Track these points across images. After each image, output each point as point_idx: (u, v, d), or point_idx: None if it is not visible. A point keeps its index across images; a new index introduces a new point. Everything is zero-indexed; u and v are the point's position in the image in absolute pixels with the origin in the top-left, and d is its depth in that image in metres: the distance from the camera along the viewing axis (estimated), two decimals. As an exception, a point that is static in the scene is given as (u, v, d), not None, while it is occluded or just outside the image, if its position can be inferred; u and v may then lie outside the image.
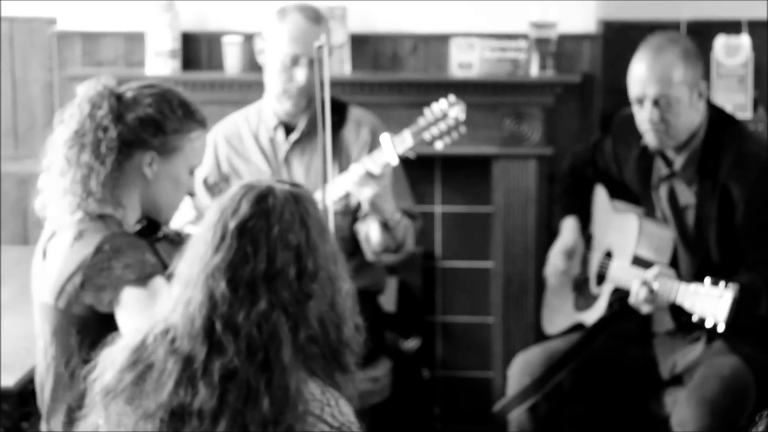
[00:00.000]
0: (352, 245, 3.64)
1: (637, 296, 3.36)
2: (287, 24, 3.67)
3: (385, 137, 3.47)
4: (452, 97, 3.49)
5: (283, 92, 3.68)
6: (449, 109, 3.48)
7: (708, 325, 3.19)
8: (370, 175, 3.45)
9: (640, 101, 3.48)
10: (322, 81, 3.44)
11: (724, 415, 3.36)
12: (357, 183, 3.46)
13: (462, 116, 3.47)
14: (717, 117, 3.55)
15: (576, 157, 3.90)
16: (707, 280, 3.22)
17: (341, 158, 3.69)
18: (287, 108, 3.70)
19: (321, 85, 3.46)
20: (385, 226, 3.53)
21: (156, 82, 2.77)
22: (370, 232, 3.58)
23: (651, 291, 3.34)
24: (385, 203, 3.49)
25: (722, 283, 3.17)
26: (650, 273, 3.36)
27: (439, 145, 3.49)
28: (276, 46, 3.67)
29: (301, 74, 3.64)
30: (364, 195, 3.47)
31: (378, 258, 3.66)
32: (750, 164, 3.46)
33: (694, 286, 3.24)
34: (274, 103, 3.73)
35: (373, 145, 3.69)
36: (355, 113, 3.78)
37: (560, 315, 3.82)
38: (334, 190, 3.49)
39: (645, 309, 3.39)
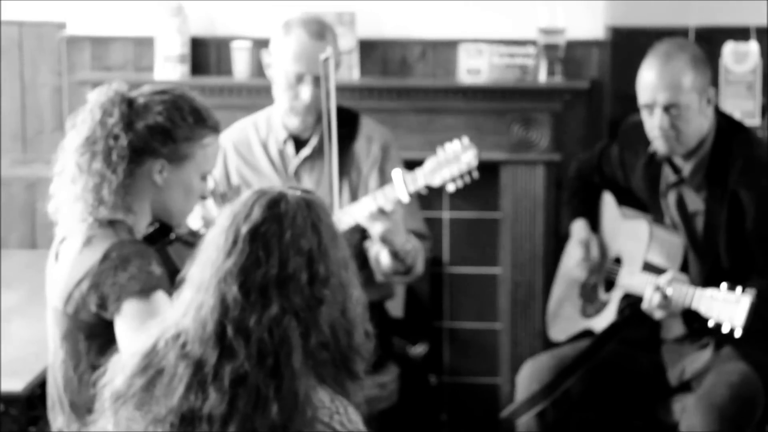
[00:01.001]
0: (360, 260, 3.62)
1: (651, 302, 3.36)
2: (291, 41, 3.61)
3: (397, 174, 3.43)
4: (466, 140, 3.45)
5: (290, 109, 3.64)
6: (462, 153, 3.43)
7: (725, 330, 3.19)
8: (381, 212, 3.42)
9: (650, 108, 3.48)
10: (328, 93, 3.43)
11: (733, 423, 3.35)
12: (368, 218, 3.43)
13: (474, 162, 3.42)
14: (725, 123, 3.56)
15: (582, 164, 3.90)
16: (723, 285, 3.23)
17: (351, 173, 3.67)
18: (296, 124, 3.66)
19: (327, 96, 3.45)
20: (396, 255, 3.52)
21: (169, 87, 2.74)
22: (380, 256, 3.55)
23: (665, 296, 3.34)
24: (396, 237, 3.47)
25: (739, 288, 3.18)
26: (664, 278, 3.36)
27: (450, 188, 3.46)
28: (281, 63, 3.63)
29: (306, 92, 3.59)
30: (375, 230, 3.44)
31: (388, 279, 3.64)
32: (759, 170, 3.47)
33: (710, 291, 3.25)
34: (283, 116, 3.70)
35: (384, 161, 3.67)
36: (366, 126, 3.73)
37: (567, 322, 3.82)
38: (343, 220, 3.47)
39: (658, 315, 3.40)
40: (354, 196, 3.66)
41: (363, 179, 3.68)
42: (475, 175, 3.44)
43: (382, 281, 3.65)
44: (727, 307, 3.18)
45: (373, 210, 3.42)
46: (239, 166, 3.73)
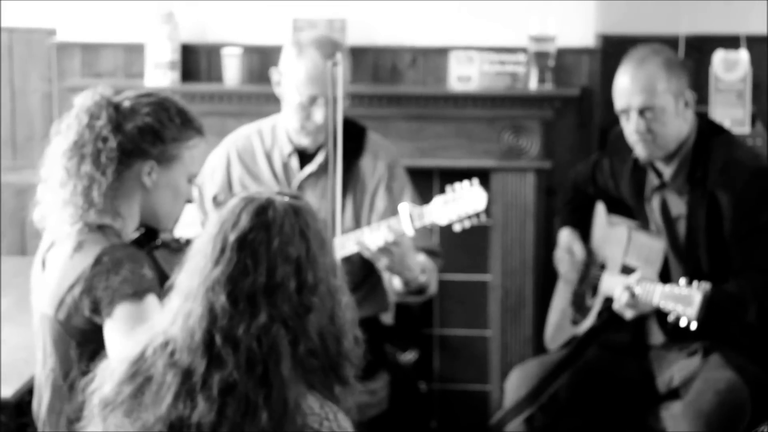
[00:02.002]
0: (360, 276, 3.60)
1: (619, 301, 3.39)
2: (304, 62, 3.57)
3: (403, 208, 3.42)
4: (475, 182, 3.43)
5: (300, 128, 3.60)
6: (471, 195, 3.41)
7: (682, 324, 3.22)
8: (387, 246, 3.40)
9: (626, 113, 3.50)
10: (335, 98, 3.40)
11: (720, 430, 3.36)
12: (374, 252, 3.42)
13: (482, 206, 3.41)
14: (705, 126, 3.57)
15: (577, 174, 3.91)
16: (682, 280, 3.25)
17: (356, 189, 3.66)
18: (305, 143, 3.63)
19: (333, 102, 3.43)
20: (408, 284, 3.52)
21: (152, 90, 2.77)
22: (393, 280, 3.56)
23: (632, 295, 3.36)
24: (404, 269, 3.46)
25: (695, 283, 3.20)
26: (632, 278, 3.39)
27: (456, 228, 3.45)
28: (293, 84, 3.59)
29: (319, 114, 3.54)
30: (381, 264, 3.44)
31: (401, 299, 3.65)
32: (737, 171, 3.47)
33: (669, 287, 3.28)
34: (292, 134, 3.66)
35: (390, 179, 3.66)
36: (372, 142, 3.71)
37: (561, 331, 3.84)
38: (347, 246, 3.46)
39: (628, 314, 3.42)
40: (357, 214, 3.65)
41: (367, 196, 3.66)
42: (483, 218, 3.43)
43: (396, 300, 3.66)
44: (682, 302, 3.21)
45: (380, 244, 3.40)
46: (242, 176, 3.70)
